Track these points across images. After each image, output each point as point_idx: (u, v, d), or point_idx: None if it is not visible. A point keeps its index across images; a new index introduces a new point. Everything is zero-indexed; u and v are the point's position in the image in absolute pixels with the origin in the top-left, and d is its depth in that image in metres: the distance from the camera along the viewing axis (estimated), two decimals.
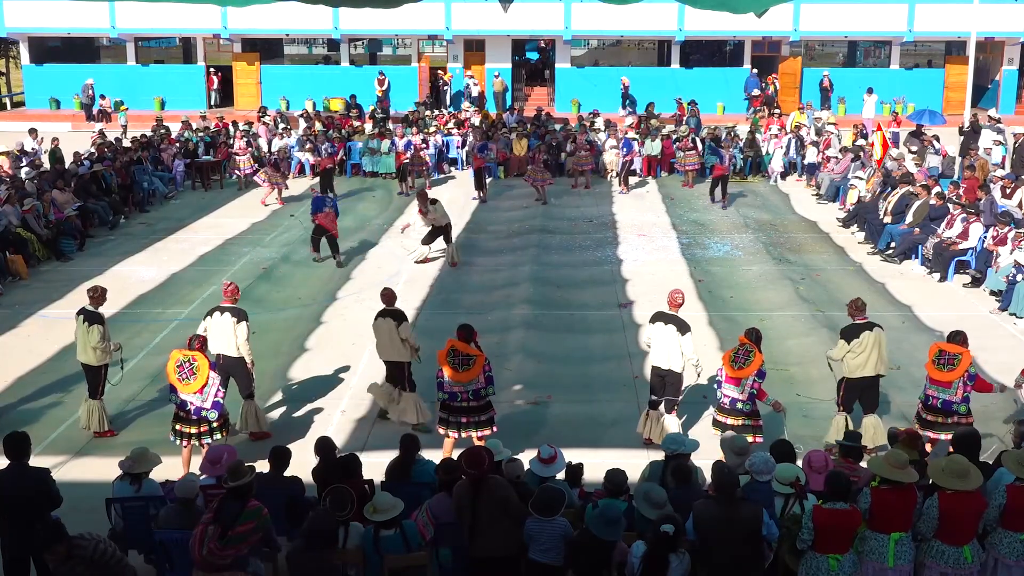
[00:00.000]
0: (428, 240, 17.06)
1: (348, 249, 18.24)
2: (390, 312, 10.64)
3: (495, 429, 9.73)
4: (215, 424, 9.58)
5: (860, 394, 9.97)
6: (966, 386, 9.40)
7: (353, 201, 22.43)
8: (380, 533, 7.02)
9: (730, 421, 9.62)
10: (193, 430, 9.50)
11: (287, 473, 8.08)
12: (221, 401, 9.58)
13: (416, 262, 16.98)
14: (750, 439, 9.10)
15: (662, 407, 10.15)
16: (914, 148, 23.45)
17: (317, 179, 24.62)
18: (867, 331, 9.77)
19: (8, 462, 7.33)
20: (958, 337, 9.59)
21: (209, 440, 9.46)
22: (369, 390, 11.05)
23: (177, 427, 9.57)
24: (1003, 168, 22.06)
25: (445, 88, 34.63)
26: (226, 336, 10.25)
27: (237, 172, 23.74)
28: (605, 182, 24.44)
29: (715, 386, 9.98)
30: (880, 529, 6.77)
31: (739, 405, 9.59)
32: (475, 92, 33.62)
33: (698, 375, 10.11)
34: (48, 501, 7.32)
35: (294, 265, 17.19)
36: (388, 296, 10.83)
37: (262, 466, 8.11)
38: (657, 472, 7.90)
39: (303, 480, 8.15)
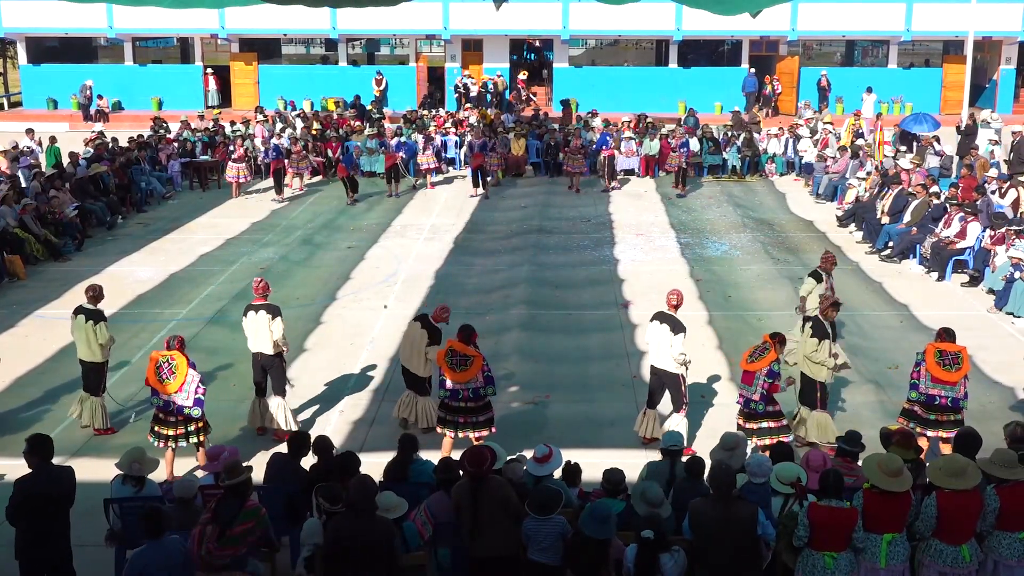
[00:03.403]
0: None
1: (347, 249, 18.25)
2: (427, 325, 10.39)
3: (493, 430, 9.73)
4: (200, 424, 9.50)
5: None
6: (965, 381, 9.51)
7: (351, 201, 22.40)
8: None
9: (750, 426, 9.45)
10: (171, 432, 9.40)
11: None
12: (203, 398, 9.48)
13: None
14: (767, 441, 9.11)
15: (660, 407, 10.13)
16: (902, 147, 23.48)
17: (315, 179, 24.81)
18: (807, 321, 10.31)
19: (38, 463, 7.22)
20: (951, 335, 9.65)
21: (195, 440, 9.42)
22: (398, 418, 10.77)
23: (156, 428, 9.48)
24: (1000, 168, 22.04)
25: (462, 91, 34.20)
26: (261, 334, 10.26)
27: (229, 180, 22.88)
28: (601, 182, 24.38)
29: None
30: (872, 529, 6.77)
31: (752, 406, 9.45)
32: (473, 92, 33.54)
33: (684, 375, 10.02)
34: (70, 500, 7.31)
35: (292, 265, 17.18)
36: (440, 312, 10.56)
37: (260, 467, 8.11)
38: (656, 472, 7.89)
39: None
